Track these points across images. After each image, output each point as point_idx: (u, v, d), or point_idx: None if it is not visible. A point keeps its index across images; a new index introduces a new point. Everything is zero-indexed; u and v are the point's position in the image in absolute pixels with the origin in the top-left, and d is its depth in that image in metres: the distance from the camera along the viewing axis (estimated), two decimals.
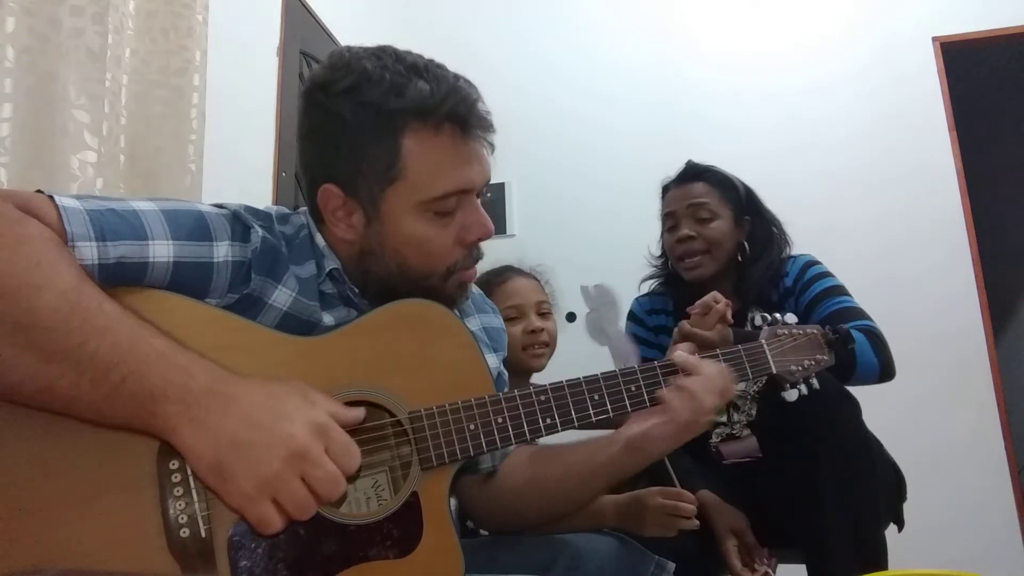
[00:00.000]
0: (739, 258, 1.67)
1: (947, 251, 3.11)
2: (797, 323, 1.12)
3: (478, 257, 0.97)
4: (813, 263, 1.67)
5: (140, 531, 0.72)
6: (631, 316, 1.81)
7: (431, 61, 0.91)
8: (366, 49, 0.91)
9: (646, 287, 1.86)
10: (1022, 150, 4.39)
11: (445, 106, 0.87)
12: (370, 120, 0.87)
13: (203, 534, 0.74)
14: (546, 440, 1.03)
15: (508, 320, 1.57)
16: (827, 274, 1.64)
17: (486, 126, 0.91)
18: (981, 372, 2.99)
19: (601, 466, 0.99)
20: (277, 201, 2.51)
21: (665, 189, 1.78)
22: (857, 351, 1.43)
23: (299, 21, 2.78)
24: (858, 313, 1.54)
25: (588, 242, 3.26)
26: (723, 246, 1.65)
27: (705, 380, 0.96)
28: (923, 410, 2.88)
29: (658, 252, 1.84)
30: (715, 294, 1.40)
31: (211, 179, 1.87)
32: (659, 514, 1.22)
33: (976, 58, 3.57)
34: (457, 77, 0.91)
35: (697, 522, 1.24)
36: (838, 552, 1.28)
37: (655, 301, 1.79)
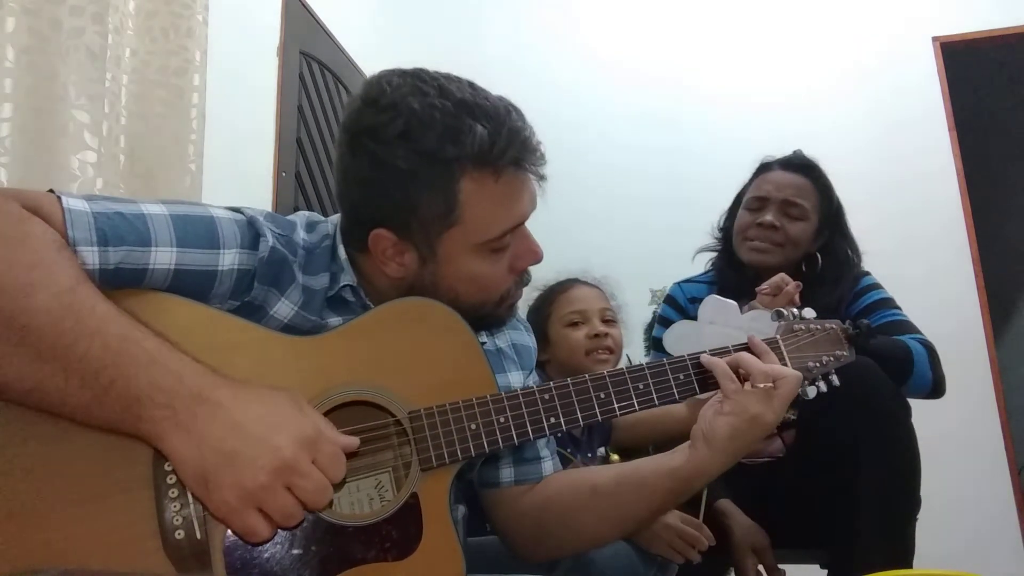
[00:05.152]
0: (803, 267, 1.61)
1: (947, 251, 3.11)
2: (816, 318, 1.08)
3: (527, 281, 0.97)
4: (864, 273, 1.63)
5: (135, 533, 0.72)
6: (670, 301, 1.75)
7: (475, 89, 0.88)
8: (404, 78, 0.87)
9: (700, 259, 1.80)
10: (1022, 150, 4.39)
11: (506, 154, 0.85)
12: (426, 168, 0.84)
13: (198, 535, 0.73)
14: None
15: (571, 326, 1.58)
16: (879, 286, 1.60)
17: (540, 161, 0.90)
18: (981, 372, 2.99)
19: (660, 466, 0.93)
20: (277, 201, 2.51)
21: (763, 167, 1.68)
22: (916, 361, 1.42)
23: (299, 21, 2.78)
24: (911, 327, 1.51)
25: (588, 245, 3.25)
26: (798, 249, 1.59)
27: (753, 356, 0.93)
28: (923, 409, 2.87)
29: (721, 225, 1.76)
30: (784, 275, 1.36)
31: (211, 179, 1.86)
32: (673, 536, 1.21)
33: (976, 58, 3.57)
34: (507, 109, 0.88)
35: (700, 557, 1.23)
36: (869, 553, 1.26)
37: (698, 289, 1.72)
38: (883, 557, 1.24)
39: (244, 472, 0.69)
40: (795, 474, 1.47)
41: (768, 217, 1.58)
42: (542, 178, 0.92)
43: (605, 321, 1.60)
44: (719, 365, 0.94)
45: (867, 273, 1.65)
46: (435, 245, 0.88)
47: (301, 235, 0.92)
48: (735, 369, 0.94)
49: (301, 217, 0.96)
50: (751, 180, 1.69)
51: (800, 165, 1.64)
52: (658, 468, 0.94)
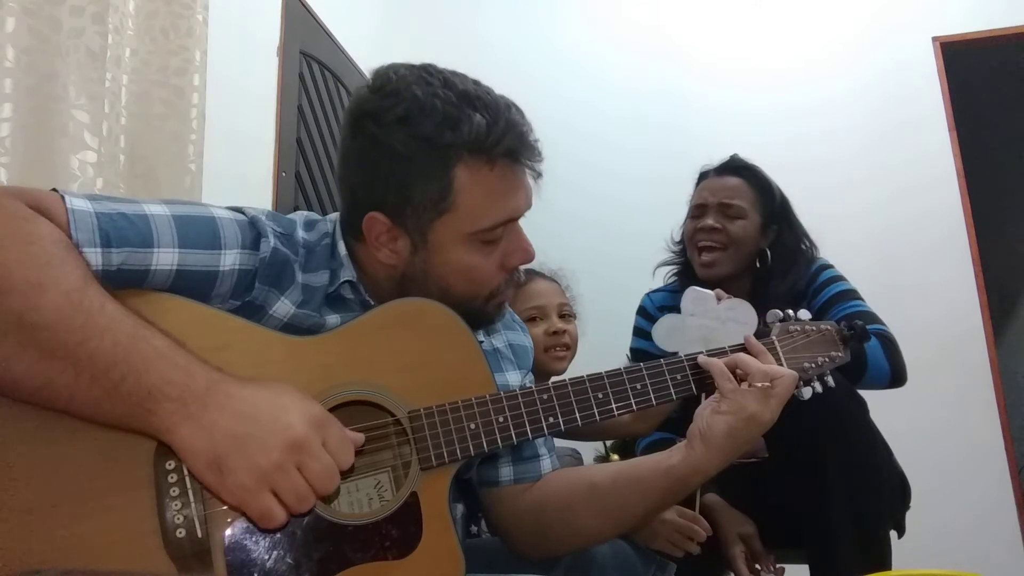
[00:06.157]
0: (757, 264, 1.64)
1: (947, 252, 3.11)
2: (811, 319, 1.10)
3: (518, 280, 0.99)
4: (826, 266, 1.66)
5: (136, 532, 0.72)
6: (641, 311, 1.79)
7: (478, 85, 0.90)
8: (411, 69, 0.89)
9: (661, 274, 1.84)
10: (1022, 150, 4.39)
11: (501, 144, 0.86)
12: (423, 153, 0.86)
13: (199, 534, 0.73)
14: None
15: (529, 321, 1.58)
16: (840, 278, 1.62)
17: (536, 157, 0.91)
18: (981, 372, 2.99)
19: (656, 465, 0.94)
20: (277, 201, 2.51)
21: (702, 176, 1.74)
22: (868, 354, 1.42)
23: (299, 21, 2.78)
24: (871, 317, 1.52)
25: (586, 245, 3.25)
26: (744, 247, 1.63)
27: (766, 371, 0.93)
28: (923, 410, 2.88)
29: (677, 239, 1.81)
30: (718, 291, 1.39)
31: (211, 179, 1.86)
32: (672, 531, 1.22)
33: (976, 58, 3.56)
34: (508, 106, 0.90)
35: (699, 549, 1.24)
36: (842, 552, 1.27)
37: (667, 298, 1.76)
38: (857, 558, 1.25)
39: (257, 452, 0.70)
40: (776, 475, 1.48)
41: (708, 221, 1.63)
42: (538, 175, 0.92)
43: (562, 316, 1.61)
44: (716, 365, 0.94)
45: (829, 266, 1.67)
46: (427, 232, 0.89)
47: (301, 233, 0.93)
48: (732, 369, 0.94)
49: (300, 216, 0.97)
50: (693, 191, 1.75)
51: (734, 168, 1.70)
52: (655, 466, 0.95)
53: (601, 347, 1.75)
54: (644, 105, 3.50)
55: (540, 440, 1.02)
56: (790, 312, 1.08)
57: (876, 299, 1.62)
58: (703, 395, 0.99)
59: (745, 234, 1.62)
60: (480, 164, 0.87)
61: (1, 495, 0.69)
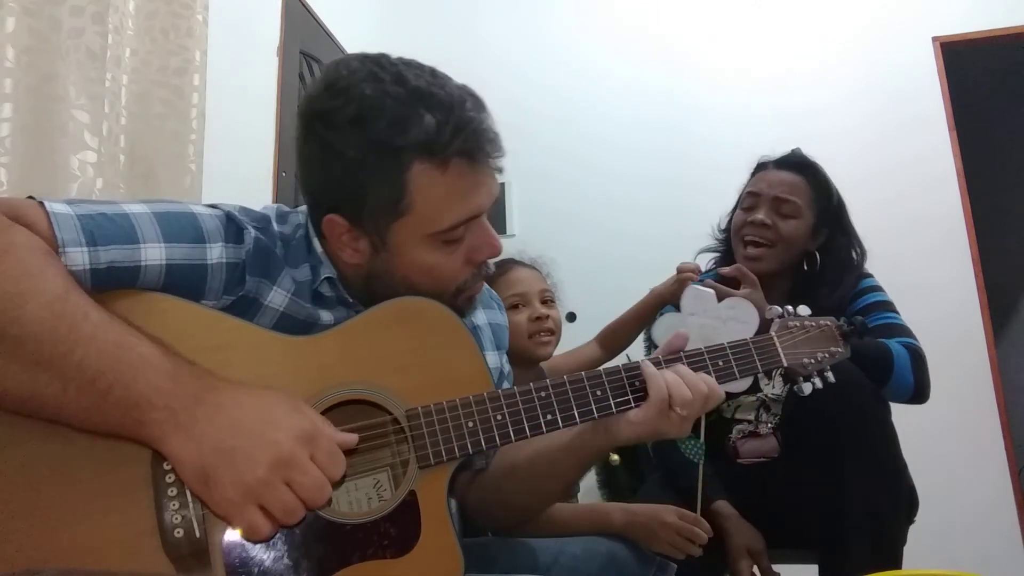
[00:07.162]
0: (804, 266, 1.61)
1: (947, 252, 3.11)
2: (810, 315, 1.09)
3: (487, 273, 0.96)
4: (867, 275, 1.63)
5: (134, 532, 0.72)
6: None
7: (432, 78, 0.86)
8: (363, 63, 0.86)
9: (703, 260, 1.80)
10: (1022, 150, 4.39)
11: (453, 144, 0.83)
12: (374, 157, 0.83)
13: (198, 534, 0.74)
14: None
15: (512, 308, 1.57)
16: (879, 288, 1.60)
17: (494, 152, 0.87)
18: (981, 372, 2.99)
19: (567, 444, 0.96)
20: (277, 201, 2.51)
21: (760, 166, 1.68)
22: (896, 364, 1.40)
23: (299, 21, 2.78)
24: (905, 331, 1.50)
25: (586, 246, 3.25)
26: (792, 247, 1.58)
27: (690, 376, 0.92)
28: (923, 410, 2.87)
29: (723, 227, 1.76)
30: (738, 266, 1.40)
31: (211, 179, 1.87)
32: (672, 534, 1.22)
33: (976, 58, 3.56)
34: (463, 98, 0.86)
35: (701, 551, 1.23)
36: (856, 552, 1.27)
37: None
38: (870, 559, 1.25)
39: (243, 468, 0.70)
40: (788, 474, 1.47)
41: (759, 216, 1.58)
42: (498, 170, 0.90)
43: (544, 302, 1.61)
44: (661, 391, 0.91)
45: (869, 275, 1.64)
46: (385, 234, 0.87)
47: (276, 226, 0.92)
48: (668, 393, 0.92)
49: (271, 209, 0.95)
50: (748, 180, 1.70)
51: (795, 163, 1.64)
52: (566, 447, 0.97)
53: None
54: (644, 106, 3.50)
55: None
56: (789, 308, 1.08)
57: None
58: None
59: (796, 234, 1.57)
60: (433, 166, 0.84)
61: (1, 495, 0.69)
